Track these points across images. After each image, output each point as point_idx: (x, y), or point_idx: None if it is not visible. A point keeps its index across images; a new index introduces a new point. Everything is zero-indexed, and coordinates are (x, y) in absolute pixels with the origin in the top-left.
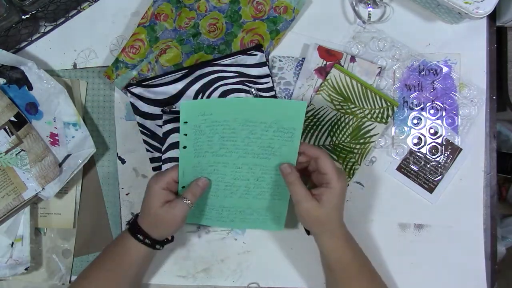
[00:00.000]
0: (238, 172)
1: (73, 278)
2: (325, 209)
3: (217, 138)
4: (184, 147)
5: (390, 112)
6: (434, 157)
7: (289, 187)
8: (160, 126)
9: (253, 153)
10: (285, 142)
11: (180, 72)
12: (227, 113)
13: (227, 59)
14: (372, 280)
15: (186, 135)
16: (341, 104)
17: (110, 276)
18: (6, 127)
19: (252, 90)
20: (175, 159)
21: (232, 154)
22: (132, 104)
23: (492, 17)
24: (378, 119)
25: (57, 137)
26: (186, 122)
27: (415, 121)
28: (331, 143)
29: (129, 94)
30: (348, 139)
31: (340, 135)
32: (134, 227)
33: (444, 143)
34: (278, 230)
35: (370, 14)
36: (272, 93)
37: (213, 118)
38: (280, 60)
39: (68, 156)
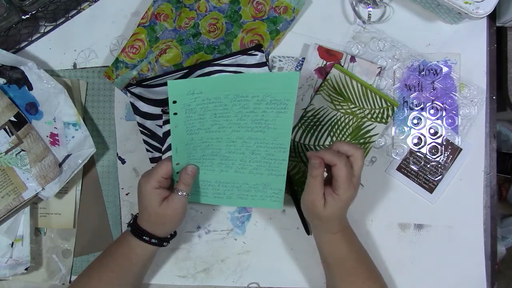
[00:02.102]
0: (232, 146)
1: (73, 278)
2: (328, 211)
3: (209, 116)
4: (175, 126)
5: (390, 112)
6: (434, 157)
7: (310, 179)
8: (160, 126)
9: (246, 127)
10: (279, 114)
11: (180, 72)
12: (217, 90)
13: (227, 59)
14: (370, 277)
15: (176, 114)
16: (341, 104)
17: (114, 276)
18: (6, 127)
19: None
20: None
21: (226, 130)
22: (132, 104)
23: (492, 17)
24: (378, 119)
25: (57, 137)
26: (175, 102)
27: (415, 121)
28: (331, 143)
29: (129, 94)
30: (348, 139)
31: (340, 135)
32: (137, 230)
33: (444, 143)
34: (278, 208)
35: (370, 14)
36: None
37: (203, 96)
38: (280, 60)
39: (68, 156)
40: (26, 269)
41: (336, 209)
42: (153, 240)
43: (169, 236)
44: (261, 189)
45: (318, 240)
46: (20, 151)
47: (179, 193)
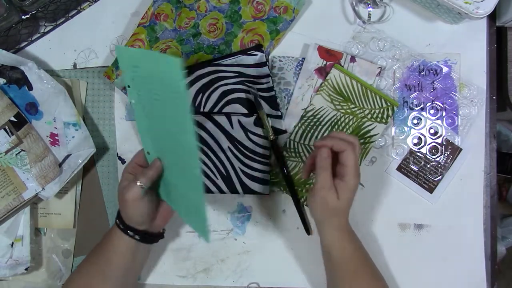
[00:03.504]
0: (162, 143)
1: None
2: (341, 202)
3: (147, 98)
4: (132, 101)
5: (390, 112)
6: (434, 157)
7: (318, 171)
8: None
9: (160, 121)
10: (175, 103)
11: None
12: (148, 68)
13: (227, 59)
14: (373, 277)
15: (129, 87)
16: (341, 104)
17: (96, 269)
18: (6, 127)
19: (252, 90)
20: None
21: (156, 120)
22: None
23: (492, 17)
24: (378, 119)
25: (57, 137)
26: (124, 72)
27: (415, 121)
28: None
29: None
30: None
31: None
32: (117, 213)
33: (444, 143)
34: (206, 241)
35: (370, 14)
36: (272, 93)
37: (141, 72)
38: (280, 60)
39: (68, 156)
40: (26, 269)
41: (348, 198)
42: (121, 226)
43: (140, 230)
44: (190, 206)
45: (325, 238)
46: (20, 151)
47: (137, 183)
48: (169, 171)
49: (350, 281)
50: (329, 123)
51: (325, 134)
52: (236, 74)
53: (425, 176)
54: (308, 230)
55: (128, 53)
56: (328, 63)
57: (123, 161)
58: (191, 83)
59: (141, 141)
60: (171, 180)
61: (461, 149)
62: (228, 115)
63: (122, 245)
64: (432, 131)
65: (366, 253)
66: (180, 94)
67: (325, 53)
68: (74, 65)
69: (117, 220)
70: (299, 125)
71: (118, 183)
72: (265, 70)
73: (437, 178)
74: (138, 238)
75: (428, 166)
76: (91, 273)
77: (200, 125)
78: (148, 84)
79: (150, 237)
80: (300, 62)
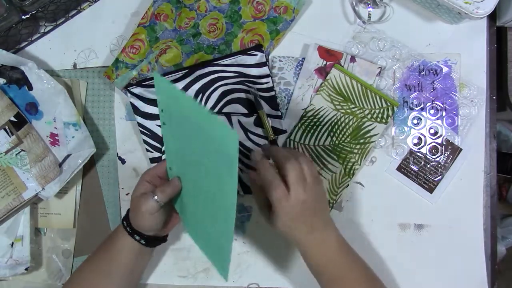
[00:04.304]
0: (190, 170)
1: None
2: (279, 226)
3: (181, 130)
4: (164, 123)
5: (390, 112)
6: (434, 157)
7: (261, 175)
8: (160, 126)
9: (193, 152)
10: (224, 166)
11: (180, 72)
12: (191, 114)
13: (227, 59)
14: (361, 283)
15: (162, 111)
16: (341, 104)
17: (100, 267)
18: (6, 127)
19: (252, 90)
20: None
21: (187, 147)
22: (132, 104)
23: (492, 17)
24: (378, 119)
25: (57, 137)
26: (160, 100)
27: (415, 121)
28: (331, 143)
29: (129, 94)
30: (348, 139)
31: (340, 135)
32: (125, 215)
33: (444, 143)
34: (224, 278)
35: (370, 14)
36: (272, 93)
37: (180, 110)
38: (280, 60)
39: (68, 156)
40: (26, 269)
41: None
42: (128, 229)
43: (146, 235)
44: (213, 244)
45: (302, 249)
46: (20, 151)
47: (154, 197)
48: (191, 197)
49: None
50: (329, 123)
51: (325, 134)
52: (236, 74)
53: (425, 176)
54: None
55: (168, 88)
56: (328, 63)
57: (123, 161)
58: (191, 83)
59: (166, 155)
60: (193, 210)
61: (461, 149)
62: (228, 115)
63: (127, 246)
64: (432, 131)
65: (356, 261)
66: (231, 163)
67: (325, 53)
68: (74, 65)
69: (124, 222)
70: (299, 125)
71: (118, 183)
72: (265, 70)
73: (437, 178)
74: (143, 242)
75: (428, 166)
76: (95, 271)
77: None
78: (187, 123)
79: (155, 241)
80: (300, 62)
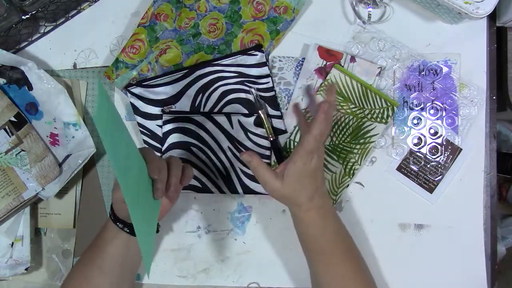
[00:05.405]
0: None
1: None
2: (287, 186)
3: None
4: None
5: (390, 112)
6: (434, 157)
7: (254, 172)
8: (160, 126)
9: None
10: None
11: (180, 72)
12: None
13: (227, 59)
14: (346, 259)
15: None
16: (341, 104)
17: (92, 260)
18: (6, 127)
19: (252, 90)
20: None
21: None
22: (132, 104)
23: (492, 17)
24: (378, 119)
25: (57, 137)
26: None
27: (415, 121)
28: (331, 143)
29: (129, 94)
30: (348, 139)
31: (340, 135)
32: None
33: (444, 143)
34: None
35: (370, 14)
36: (272, 93)
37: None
38: (280, 60)
39: (68, 156)
40: (26, 269)
41: (294, 179)
42: (112, 217)
43: (129, 223)
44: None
45: (293, 219)
46: (20, 151)
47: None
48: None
49: (319, 261)
50: None
51: None
52: (236, 74)
53: (425, 176)
54: None
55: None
56: (328, 63)
57: None
58: (191, 83)
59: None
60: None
61: (461, 149)
62: (228, 115)
63: (114, 236)
64: (432, 131)
65: (343, 235)
66: (113, 118)
67: (325, 53)
68: (74, 65)
69: (110, 211)
70: (299, 125)
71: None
72: (265, 70)
73: (437, 178)
74: (127, 230)
75: (428, 166)
76: (88, 264)
77: (200, 125)
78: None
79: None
80: (300, 62)
